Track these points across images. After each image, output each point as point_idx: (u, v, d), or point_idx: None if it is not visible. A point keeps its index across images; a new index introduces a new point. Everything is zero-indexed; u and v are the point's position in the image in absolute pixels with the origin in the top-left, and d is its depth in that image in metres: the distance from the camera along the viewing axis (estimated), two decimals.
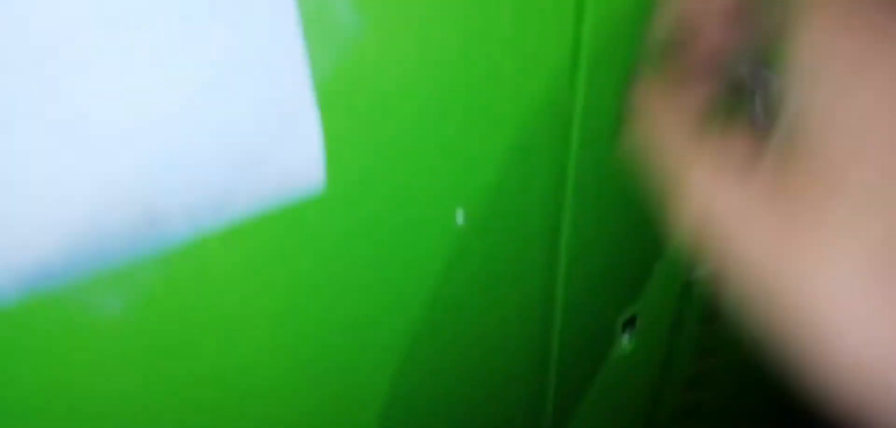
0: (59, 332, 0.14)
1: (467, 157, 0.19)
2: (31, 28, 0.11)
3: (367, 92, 0.16)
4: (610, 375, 0.29)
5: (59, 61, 0.12)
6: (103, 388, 0.15)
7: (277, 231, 0.16)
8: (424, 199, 0.18)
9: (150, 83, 0.13)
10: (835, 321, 0.13)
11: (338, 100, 0.15)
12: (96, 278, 0.14)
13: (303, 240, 0.17)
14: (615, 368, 0.29)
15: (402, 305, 0.20)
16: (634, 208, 0.24)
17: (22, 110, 0.12)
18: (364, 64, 0.15)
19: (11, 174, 0.12)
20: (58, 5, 0.11)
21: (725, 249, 0.16)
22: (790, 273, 0.14)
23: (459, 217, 0.19)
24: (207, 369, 0.17)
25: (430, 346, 0.21)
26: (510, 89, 0.18)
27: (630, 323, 0.28)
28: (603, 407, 0.30)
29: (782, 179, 0.15)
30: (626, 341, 0.28)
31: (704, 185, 0.16)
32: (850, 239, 0.13)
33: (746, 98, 0.18)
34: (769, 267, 0.15)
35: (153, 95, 0.13)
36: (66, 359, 0.15)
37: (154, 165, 0.13)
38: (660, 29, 0.18)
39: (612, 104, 0.20)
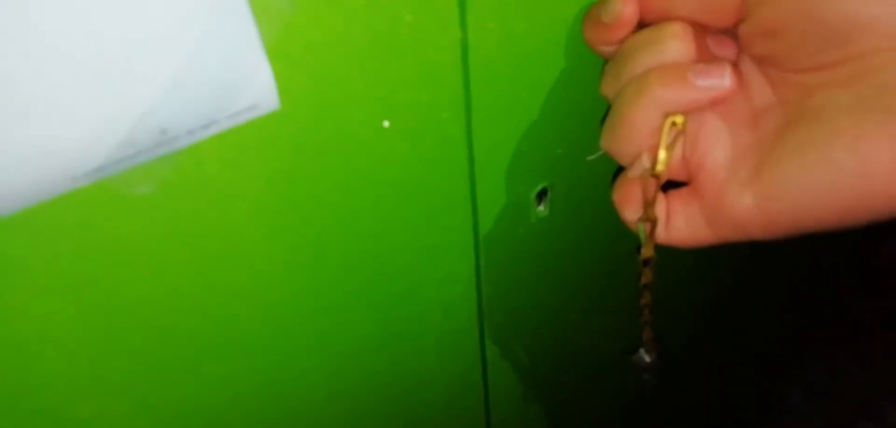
0: (111, 207, 0.23)
1: (388, 80, 0.26)
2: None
3: (315, 40, 0.23)
4: (530, 242, 0.37)
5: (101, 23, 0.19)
6: (139, 244, 0.24)
7: (250, 136, 0.24)
8: (359, 111, 0.26)
9: (158, 40, 0.20)
10: None
11: (289, 43, 0.22)
12: (133, 172, 0.22)
13: (266, 143, 0.24)
14: (534, 234, 0.37)
15: (341, 191, 0.28)
16: (537, 102, 0.31)
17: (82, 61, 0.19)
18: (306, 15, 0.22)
19: (74, 106, 0.20)
20: None
21: None
22: None
23: (386, 124, 0.27)
24: (206, 231, 0.25)
25: (367, 226, 0.29)
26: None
27: (543, 194, 0.35)
28: (532, 271, 0.39)
29: None
30: (541, 209, 0.36)
31: None
32: None
33: None
34: None
35: (160, 48, 0.20)
36: (117, 223, 0.23)
37: (165, 103, 0.21)
38: None
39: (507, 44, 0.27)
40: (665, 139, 0.24)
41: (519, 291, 0.39)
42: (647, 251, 0.27)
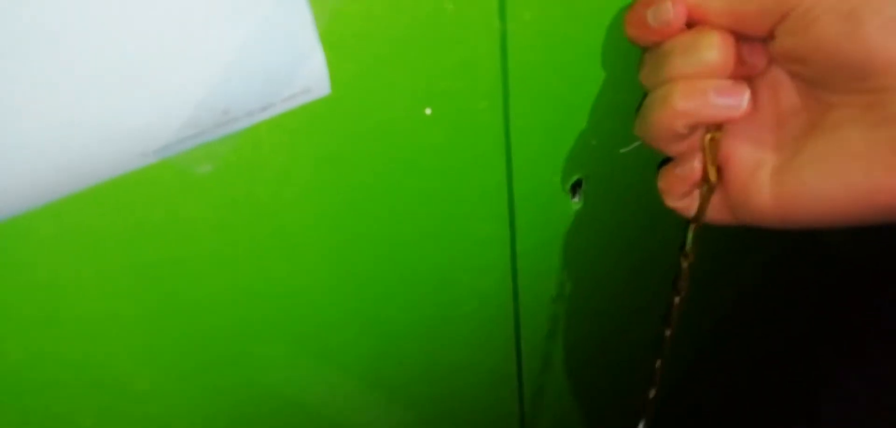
0: (177, 184, 0.24)
1: (430, 68, 0.27)
2: None
3: (362, 28, 0.24)
4: (565, 233, 0.38)
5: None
6: (200, 218, 0.25)
7: (303, 120, 0.25)
8: (402, 98, 0.27)
9: (223, 22, 0.22)
10: None
11: (339, 29, 0.24)
12: (195, 152, 0.24)
13: (316, 127, 0.26)
14: (571, 226, 0.38)
15: (383, 177, 0.29)
16: (574, 93, 0.32)
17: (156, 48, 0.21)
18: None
19: (146, 85, 0.22)
20: None
21: None
22: None
23: (428, 111, 0.28)
24: (259, 211, 0.26)
25: (407, 212, 0.31)
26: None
27: (578, 185, 0.36)
28: (567, 262, 0.39)
29: None
30: (575, 201, 0.37)
31: None
32: None
33: None
34: None
35: (225, 30, 0.22)
36: (180, 199, 0.25)
37: (227, 85, 0.23)
38: None
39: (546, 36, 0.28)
40: (710, 156, 0.27)
41: (554, 283, 0.40)
42: (690, 258, 0.29)
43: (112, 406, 0.28)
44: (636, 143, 0.36)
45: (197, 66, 0.22)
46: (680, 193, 0.29)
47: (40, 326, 0.24)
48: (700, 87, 0.25)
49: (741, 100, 0.25)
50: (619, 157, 0.36)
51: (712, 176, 0.27)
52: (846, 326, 0.81)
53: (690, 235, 0.29)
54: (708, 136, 0.27)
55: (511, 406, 0.45)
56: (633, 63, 0.32)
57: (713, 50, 0.25)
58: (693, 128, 0.26)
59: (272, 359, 0.32)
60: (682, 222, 0.33)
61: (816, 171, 0.25)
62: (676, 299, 0.30)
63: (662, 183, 0.29)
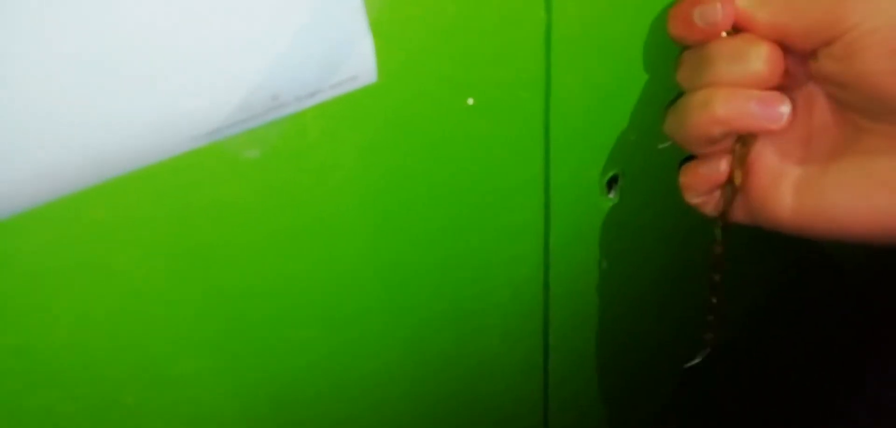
0: (225, 168, 0.24)
1: (474, 58, 0.27)
2: None
3: (410, 16, 0.24)
4: (599, 228, 0.38)
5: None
6: (247, 203, 0.26)
7: (350, 107, 0.25)
8: (446, 87, 0.27)
9: (276, 7, 0.22)
10: None
11: (387, 17, 0.24)
12: (244, 136, 0.24)
13: (362, 114, 0.26)
14: (605, 222, 0.38)
15: (425, 165, 0.29)
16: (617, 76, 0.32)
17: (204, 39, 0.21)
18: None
19: (200, 69, 0.22)
20: None
21: None
22: None
23: (470, 101, 0.28)
24: (303, 197, 0.27)
25: (446, 200, 0.31)
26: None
27: (614, 180, 0.36)
28: (600, 258, 0.39)
29: None
30: (611, 196, 0.37)
31: None
32: None
33: None
34: None
35: (277, 16, 0.22)
36: (228, 182, 0.25)
37: (277, 70, 0.23)
38: None
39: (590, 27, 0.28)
40: (738, 160, 0.27)
41: (585, 278, 0.39)
42: (720, 247, 0.29)
43: (153, 388, 0.28)
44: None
45: (250, 50, 0.22)
46: (702, 191, 0.29)
47: (89, 304, 0.25)
48: (743, 97, 0.25)
49: (782, 114, 0.25)
50: (657, 153, 0.36)
51: (738, 180, 0.27)
52: (881, 331, 0.80)
53: (719, 232, 0.29)
54: (739, 143, 0.27)
55: (536, 399, 0.45)
56: (674, 61, 0.32)
57: (761, 61, 0.25)
58: (728, 134, 0.26)
59: (309, 344, 0.32)
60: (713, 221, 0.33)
61: (841, 192, 0.25)
62: (716, 277, 0.31)
63: (685, 178, 0.30)
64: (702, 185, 0.28)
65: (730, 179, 0.27)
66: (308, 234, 0.28)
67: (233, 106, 0.23)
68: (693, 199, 0.29)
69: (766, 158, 0.27)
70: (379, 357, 0.35)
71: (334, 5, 0.22)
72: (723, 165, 0.27)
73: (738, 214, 0.29)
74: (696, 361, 0.34)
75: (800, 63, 0.26)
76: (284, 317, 0.30)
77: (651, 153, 0.36)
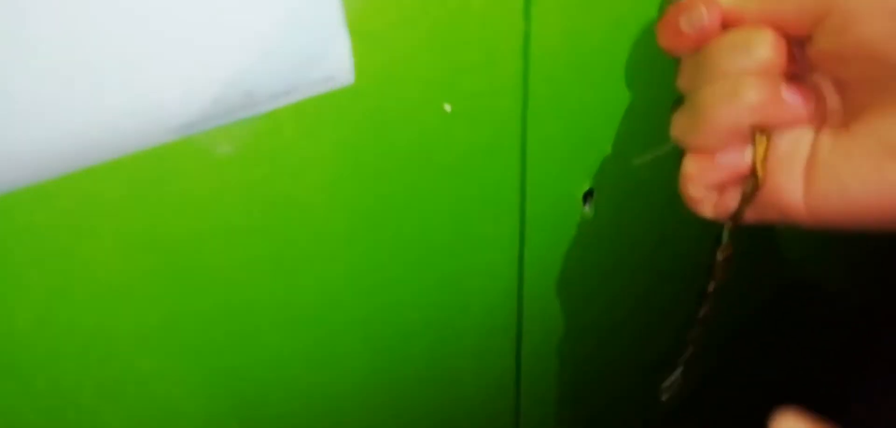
0: (197, 163, 0.24)
1: (453, 64, 0.27)
2: None
3: (388, 19, 0.24)
4: (574, 242, 0.38)
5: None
6: (219, 200, 0.25)
7: (325, 108, 0.25)
8: (423, 92, 0.27)
9: (253, 3, 0.22)
10: None
11: (365, 19, 0.24)
12: (217, 132, 0.24)
13: (337, 116, 0.26)
14: (580, 236, 0.38)
15: (401, 170, 0.29)
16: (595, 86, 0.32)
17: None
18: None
19: (176, 62, 0.22)
20: None
21: None
22: None
23: (447, 107, 0.28)
24: (276, 197, 0.26)
25: (421, 207, 0.31)
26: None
27: (590, 194, 0.36)
28: (574, 273, 0.39)
29: None
30: (586, 210, 0.37)
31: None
32: None
33: None
34: None
35: (254, 11, 0.22)
36: (203, 179, 0.25)
37: (251, 67, 0.23)
38: None
39: (567, 40, 0.28)
40: (760, 154, 0.25)
41: (559, 292, 0.40)
42: (727, 250, 0.28)
43: (115, 382, 0.28)
44: (651, 155, 0.36)
45: (226, 45, 0.22)
46: (711, 185, 0.27)
47: (52, 295, 0.24)
48: (772, 86, 0.24)
49: (810, 103, 0.24)
50: (633, 169, 0.36)
51: (761, 172, 0.25)
52: (879, 326, 0.80)
53: (726, 234, 0.28)
54: (760, 136, 0.25)
55: (508, 414, 0.45)
56: (654, 74, 0.32)
57: (766, 46, 0.24)
58: (754, 126, 0.25)
59: (277, 346, 0.31)
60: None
61: (853, 171, 0.24)
62: (711, 287, 0.30)
63: (693, 169, 0.27)
64: (715, 178, 0.27)
65: (753, 173, 0.26)
66: (280, 233, 0.28)
67: (206, 100, 0.23)
68: (696, 193, 0.27)
69: (777, 148, 0.26)
70: (350, 361, 0.35)
71: (311, 4, 0.22)
72: (746, 157, 0.26)
73: (747, 212, 0.27)
74: (674, 377, 0.34)
75: (798, 51, 0.26)
76: (253, 318, 0.30)
77: (627, 167, 0.36)
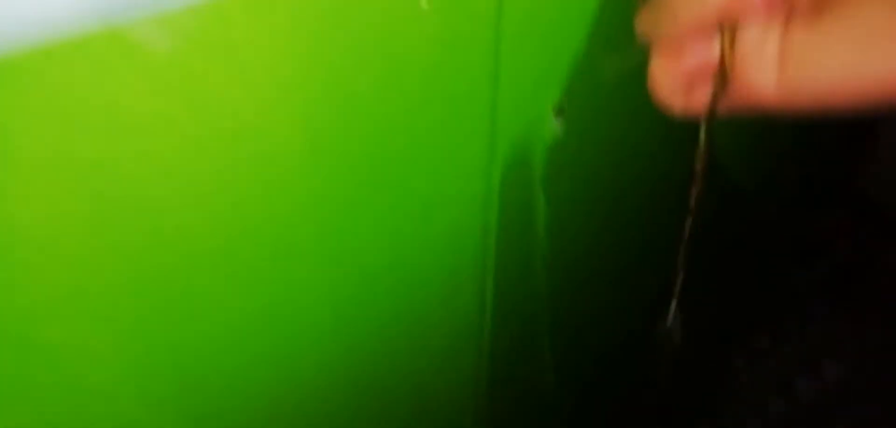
0: (124, 60, 0.19)
1: None
2: None
3: None
4: (548, 160, 0.35)
5: None
6: (151, 112, 0.20)
7: None
8: None
9: None
10: None
11: None
12: (152, 20, 0.19)
13: (303, 5, 0.21)
14: (551, 153, 0.35)
15: (368, 71, 0.25)
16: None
17: None
18: None
19: None
20: None
21: None
22: None
23: (423, 3, 0.24)
24: (223, 103, 0.22)
25: (389, 113, 0.27)
26: None
27: (561, 111, 0.34)
28: (545, 193, 0.37)
29: None
30: (557, 125, 0.34)
31: None
32: None
33: None
34: None
35: None
36: (126, 85, 0.20)
37: None
38: None
39: None
40: (726, 46, 0.24)
41: (531, 217, 0.37)
42: (703, 159, 0.27)
43: (19, 355, 0.23)
44: (623, 63, 0.34)
45: None
46: (681, 85, 0.26)
47: None
48: None
49: None
50: (604, 81, 0.34)
51: (730, 64, 0.25)
52: (756, 295, 0.86)
53: (704, 134, 0.27)
54: (726, 33, 0.25)
55: (472, 358, 0.42)
56: None
57: None
58: (720, 19, 0.24)
59: (223, 305, 0.27)
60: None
61: (829, 52, 0.23)
62: (694, 193, 0.28)
63: (661, 72, 0.26)
64: (681, 71, 0.26)
65: (721, 65, 0.25)
66: (227, 151, 0.23)
67: None
68: (665, 90, 0.26)
69: (746, 39, 0.25)
70: (312, 314, 0.31)
71: None
72: (714, 50, 0.25)
73: (719, 106, 0.26)
74: (671, 315, 0.32)
75: None
76: (192, 268, 0.25)
77: (599, 83, 0.34)
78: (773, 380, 0.98)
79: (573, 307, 0.46)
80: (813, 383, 0.97)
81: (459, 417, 0.44)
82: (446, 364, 0.41)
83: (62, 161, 0.20)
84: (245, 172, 0.24)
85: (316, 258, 0.29)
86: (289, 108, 0.24)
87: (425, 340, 0.39)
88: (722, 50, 0.24)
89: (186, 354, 0.27)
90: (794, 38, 0.24)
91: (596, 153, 0.37)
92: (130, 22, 0.18)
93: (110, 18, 0.18)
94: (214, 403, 0.30)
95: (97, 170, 0.21)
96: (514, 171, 0.34)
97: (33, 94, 0.18)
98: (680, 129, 0.29)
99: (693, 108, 0.26)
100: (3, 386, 0.23)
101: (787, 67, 0.24)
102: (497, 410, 0.46)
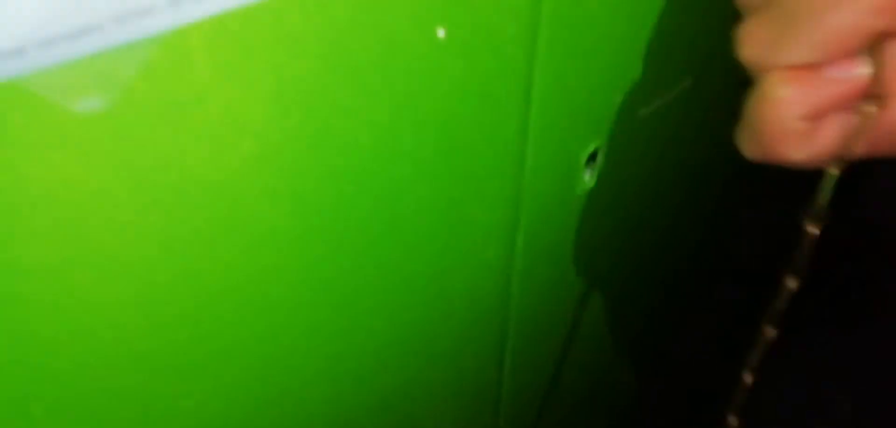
0: (40, 127, 0.13)
1: None
2: None
3: None
4: (574, 214, 0.30)
5: None
6: (84, 187, 0.15)
7: (259, 26, 0.15)
8: (410, 8, 0.18)
9: None
10: None
11: None
12: (77, 72, 0.13)
13: (282, 39, 0.16)
14: (578, 206, 0.30)
15: (382, 110, 0.20)
16: (607, 36, 0.24)
17: None
18: None
19: None
20: None
21: None
22: None
23: (441, 32, 0.19)
24: (196, 172, 0.16)
25: (408, 153, 0.21)
26: None
27: (592, 158, 0.29)
28: (569, 246, 0.32)
29: None
30: (587, 177, 0.29)
31: None
32: None
33: None
34: None
35: None
36: (46, 156, 0.14)
37: None
38: None
39: None
40: (884, 64, 0.19)
41: (554, 262, 0.32)
42: (821, 216, 0.21)
43: None
44: (658, 102, 0.29)
45: None
46: (810, 114, 0.20)
47: None
48: None
49: None
50: (636, 122, 0.29)
51: (890, 86, 0.19)
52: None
53: (830, 183, 0.20)
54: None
55: (490, 405, 0.37)
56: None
57: None
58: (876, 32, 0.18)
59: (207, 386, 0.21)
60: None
61: None
62: (792, 285, 0.22)
63: (792, 93, 0.20)
64: (821, 100, 0.20)
65: (874, 89, 0.19)
66: (196, 242, 0.17)
67: (50, 9, 0.12)
68: (790, 126, 0.20)
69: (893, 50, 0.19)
70: (309, 374, 0.25)
71: None
72: (860, 72, 0.19)
73: (856, 147, 0.20)
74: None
75: None
76: (159, 352, 0.19)
77: (632, 120, 0.29)
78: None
79: (597, 372, 0.41)
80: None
81: None
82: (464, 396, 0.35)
83: None
84: (224, 255, 0.19)
85: (318, 335, 0.24)
86: (275, 169, 0.18)
87: (441, 412, 0.33)
88: (877, 68, 0.19)
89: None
90: None
91: (626, 204, 0.32)
92: (39, 72, 0.13)
93: (13, 70, 0.12)
94: None
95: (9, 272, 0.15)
96: (540, 224, 0.29)
97: None
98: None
99: (818, 152, 0.21)
100: None
101: None
102: None
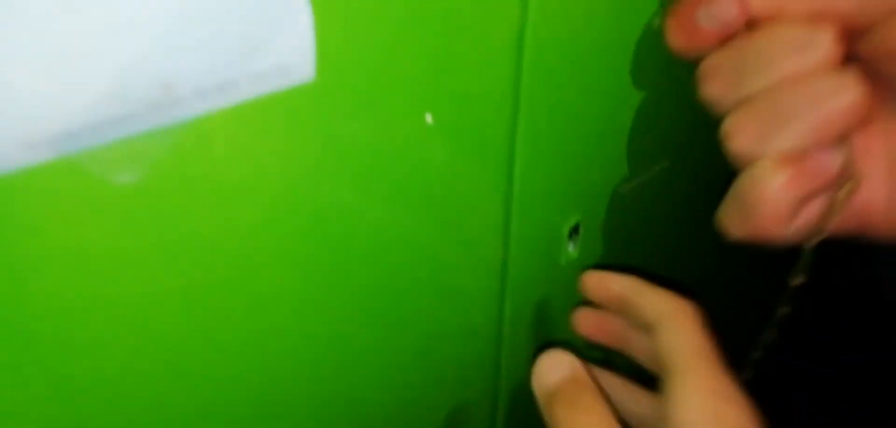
0: (79, 198, 0.16)
1: (437, 67, 0.21)
2: None
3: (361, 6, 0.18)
4: (559, 284, 0.32)
5: None
6: (116, 252, 0.17)
7: (271, 114, 0.18)
8: (400, 99, 0.21)
9: None
10: None
11: (334, 10, 0.17)
12: (114, 150, 0.16)
13: (295, 124, 0.19)
14: (564, 276, 0.32)
15: (377, 188, 0.22)
16: (583, 118, 0.27)
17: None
18: None
19: (42, 47, 0.14)
20: None
21: None
22: None
23: (429, 118, 0.22)
24: (211, 238, 0.19)
25: (401, 227, 0.24)
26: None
27: (575, 231, 0.31)
28: (556, 315, 0.34)
29: None
30: (571, 249, 0.31)
31: None
32: None
33: None
34: None
35: None
36: (84, 223, 0.16)
37: (170, 47, 0.15)
38: None
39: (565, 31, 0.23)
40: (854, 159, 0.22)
41: (541, 329, 0.33)
42: (803, 274, 0.24)
43: None
44: (640, 179, 0.32)
45: (123, 13, 0.14)
46: (801, 197, 0.23)
47: None
48: (859, 79, 0.21)
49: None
50: (619, 203, 0.32)
51: (857, 177, 0.22)
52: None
53: (807, 258, 0.23)
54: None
55: None
56: (653, 82, 0.28)
57: (829, 41, 0.21)
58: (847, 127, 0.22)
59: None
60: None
61: None
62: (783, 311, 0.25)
63: (786, 180, 0.22)
64: (812, 183, 0.22)
65: (846, 178, 0.22)
66: (208, 297, 0.20)
67: (94, 96, 0.15)
68: (784, 209, 0.23)
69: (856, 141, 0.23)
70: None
71: None
72: (837, 160, 0.22)
73: (827, 225, 0.23)
74: None
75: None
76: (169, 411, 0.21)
77: (612, 195, 0.31)
78: None
79: None
80: None
81: None
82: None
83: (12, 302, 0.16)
84: (230, 312, 0.21)
85: (311, 402, 0.25)
86: (279, 238, 0.20)
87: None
88: (849, 155, 0.22)
89: None
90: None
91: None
92: (84, 152, 0.15)
93: (61, 149, 0.15)
94: None
95: (53, 314, 0.17)
96: (526, 294, 0.31)
97: None
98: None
99: (803, 230, 0.23)
100: None
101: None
102: None
